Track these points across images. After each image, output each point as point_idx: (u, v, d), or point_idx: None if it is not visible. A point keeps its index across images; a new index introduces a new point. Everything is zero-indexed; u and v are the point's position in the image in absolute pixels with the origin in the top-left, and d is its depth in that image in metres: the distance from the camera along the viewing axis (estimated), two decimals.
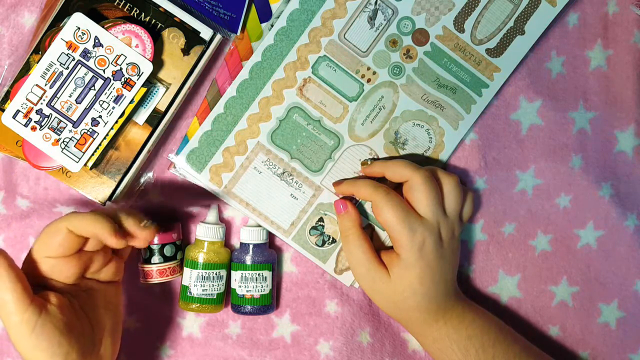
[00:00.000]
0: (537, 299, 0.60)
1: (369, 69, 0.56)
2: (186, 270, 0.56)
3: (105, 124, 0.52)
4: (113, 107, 0.52)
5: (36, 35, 0.53)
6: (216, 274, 0.56)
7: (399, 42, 0.56)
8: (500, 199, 0.60)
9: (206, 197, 0.58)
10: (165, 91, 0.54)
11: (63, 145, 0.52)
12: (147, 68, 0.52)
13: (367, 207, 0.57)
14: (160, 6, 0.53)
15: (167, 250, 0.56)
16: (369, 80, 0.56)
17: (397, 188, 0.54)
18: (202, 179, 0.56)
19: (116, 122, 0.52)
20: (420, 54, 0.56)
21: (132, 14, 0.53)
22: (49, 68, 0.51)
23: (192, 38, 0.53)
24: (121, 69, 0.51)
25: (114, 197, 0.54)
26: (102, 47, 0.51)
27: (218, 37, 0.54)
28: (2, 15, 0.56)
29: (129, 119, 0.53)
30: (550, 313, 0.60)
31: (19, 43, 0.56)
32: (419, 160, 0.57)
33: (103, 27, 0.51)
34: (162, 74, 0.54)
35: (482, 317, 0.54)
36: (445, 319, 0.53)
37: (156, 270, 0.55)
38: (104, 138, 0.53)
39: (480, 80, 0.57)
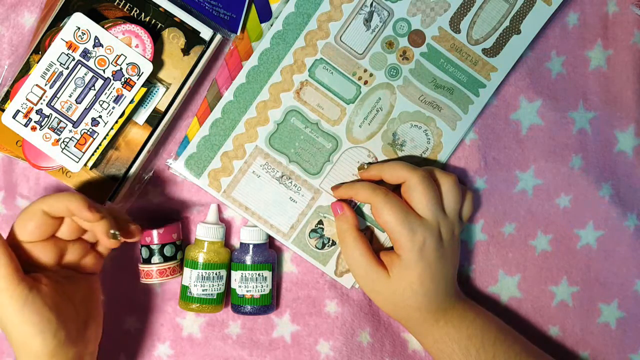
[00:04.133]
0: (537, 299, 0.60)
1: (365, 71, 0.56)
2: (186, 270, 0.56)
3: (105, 124, 0.52)
4: (113, 107, 0.52)
5: (36, 35, 0.53)
6: (216, 274, 0.56)
7: (395, 43, 0.56)
8: (500, 199, 0.60)
9: (206, 197, 0.58)
10: (165, 91, 0.54)
11: (63, 145, 0.52)
12: (147, 68, 0.52)
13: (366, 208, 0.57)
14: (160, 6, 0.53)
15: (167, 250, 0.56)
16: (365, 82, 0.56)
17: (395, 190, 0.54)
18: (201, 184, 0.56)
19: (116, 122, 0.52)
20: (417, 55, 0.56)
21: (132, 14, 0.53)
22: (49, 68, 0.51)
23: (192, 38, 0.53)
24: (121, 69, 0.52)
25: (114, 197, 0.55)
26: (102, 47, 0.51)
27: (218, 37, 0.54)
28: (2, 15, 0.56)
29: (129, 119, 0.53)
30: (550, 313, 0.60)
31: (19, 43, 0.56)
32: (417, 162, 0.57)
33: (103, 27, 0.51)
34: (162, 74, 0.54)
35: (482, 316, 0.54)
36: (446, 318, 0.53)
37: (156, 270, 0.55)
38: (104, 138, 0.53)
39: (477, 80, 0.57)
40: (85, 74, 0.51)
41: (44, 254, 0.48)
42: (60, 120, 0.52)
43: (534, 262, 0.60)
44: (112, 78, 0.52)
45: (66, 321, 0.46)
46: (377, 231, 0.57)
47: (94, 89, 0.52)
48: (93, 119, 0.52)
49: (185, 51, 0.54)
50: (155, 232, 0.55)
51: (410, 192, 0.51)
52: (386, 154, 0.57)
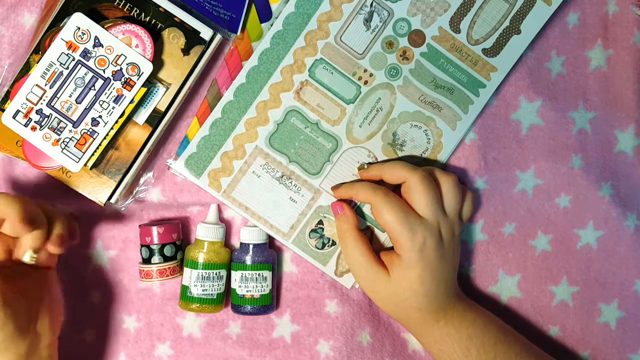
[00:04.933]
0: (537, 299, 0.60)
1: (365, 71, 0.56)
2: (186, 270, 0.56)
3: (105, 124, 0.52)
4: (113, 107, 0.52)
5: (36, 35, 0.53)
6: (216, 274, 0.56)
7: (395, 43, 0.56)
8: (500, 199, 0.60)
9: (206, 197, 0.58)
10: (165, 91, 0.54)
11: (63, 145, 0.52)
12: (147, 68, 0.52)
13: (366, 208, 0.57)
14: (160, 6, 0.53)
15: (167, 250, 0.56)
16: (366, 82, 0.56)
17: (395, 190, 0.54)
18: (201, 184, 0.56)
19: (116, 122, 0.52)
20: (417, 55, 0.56)
21: (132, 14, 0.53)
22: (49, 68, 0.51)
23: (192, 38, 0.53)
24: (121, 69, 0.52)
25: (113, 197, 0.55)
26: (102, 47, 0.51)
27: (218, 37, 0.54)
28: (2, 15, 0.56)
29: (129, 119, 0.53)
30: (550, 313, 0.60)
31: (19, 43, 0.56)
32: (417, 162, 0.57)
33: (103, 27, 0.51)
34: (162, 74, 0.54)
35: (482, 316, 0.54)
36: (446, 318, 0.53)
37: (156, 270, 0.55)
38: (104, 138, 0.53)
39: (477, 80, 0.57)
40: (85, 74, 0.51)
41: None
42: (60, 120, 0.52)
43: (534, 262, 0.60)
44: (112, 78, 0.52)
45: (15, 315, 0.45)
46: (377, 231, 0.57)
47: (94, 89, 0.52)
48: (93, 119, 0.52)
49: (185, 51, 0.54)
50: (155, 232, 0.55)
51: (411, 192, 0.51)
52: (386, 154, 0.57)
